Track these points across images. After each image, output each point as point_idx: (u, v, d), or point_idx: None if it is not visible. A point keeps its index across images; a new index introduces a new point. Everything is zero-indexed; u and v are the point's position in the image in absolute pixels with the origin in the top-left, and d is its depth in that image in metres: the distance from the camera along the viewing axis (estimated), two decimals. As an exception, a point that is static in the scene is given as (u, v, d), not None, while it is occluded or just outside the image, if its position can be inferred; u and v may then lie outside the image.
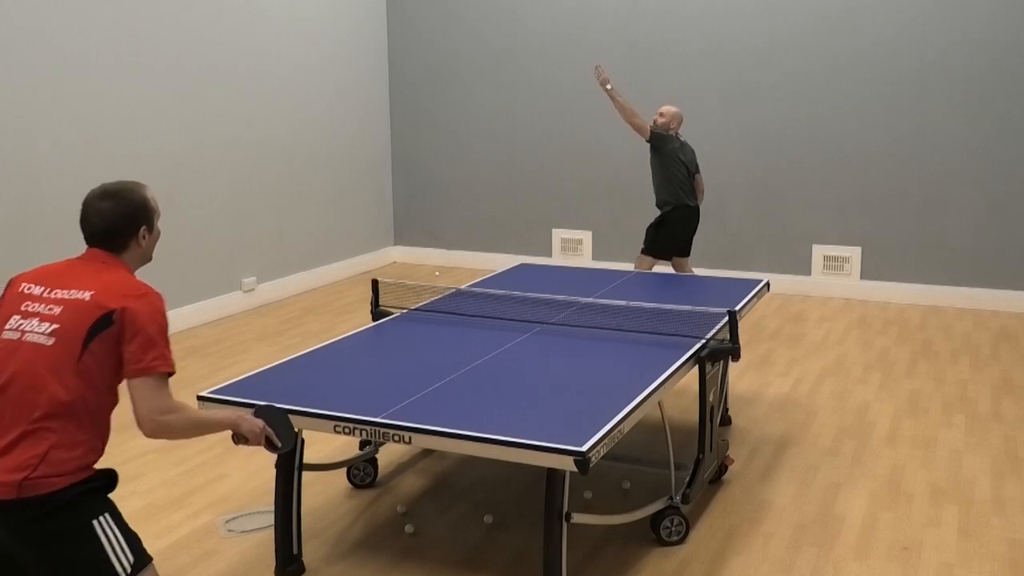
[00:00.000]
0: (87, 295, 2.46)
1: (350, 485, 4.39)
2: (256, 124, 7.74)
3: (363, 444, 4.43)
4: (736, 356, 4.17)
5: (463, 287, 5.09)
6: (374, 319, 4.57)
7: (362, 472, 4.41)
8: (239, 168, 7.58)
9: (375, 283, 4.71)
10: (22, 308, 2.48)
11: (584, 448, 2.92)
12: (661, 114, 6.67)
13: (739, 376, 5.91)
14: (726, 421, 5.05)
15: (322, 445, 4.63)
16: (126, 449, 4.86)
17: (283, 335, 6.95)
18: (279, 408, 3.04)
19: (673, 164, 6.59)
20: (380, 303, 4.65)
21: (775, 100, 8.09)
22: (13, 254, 5.82)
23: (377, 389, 3.50)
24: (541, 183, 9.02)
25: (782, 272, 8.13)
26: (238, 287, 7.65)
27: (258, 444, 2.80)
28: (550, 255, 9.04)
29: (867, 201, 7.92)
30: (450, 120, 9.33)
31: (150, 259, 2.70)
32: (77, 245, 2.65)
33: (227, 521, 4.08)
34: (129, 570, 2.40)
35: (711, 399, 4.10)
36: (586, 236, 8.88)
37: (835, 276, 8.10)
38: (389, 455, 4.66)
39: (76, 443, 2.39)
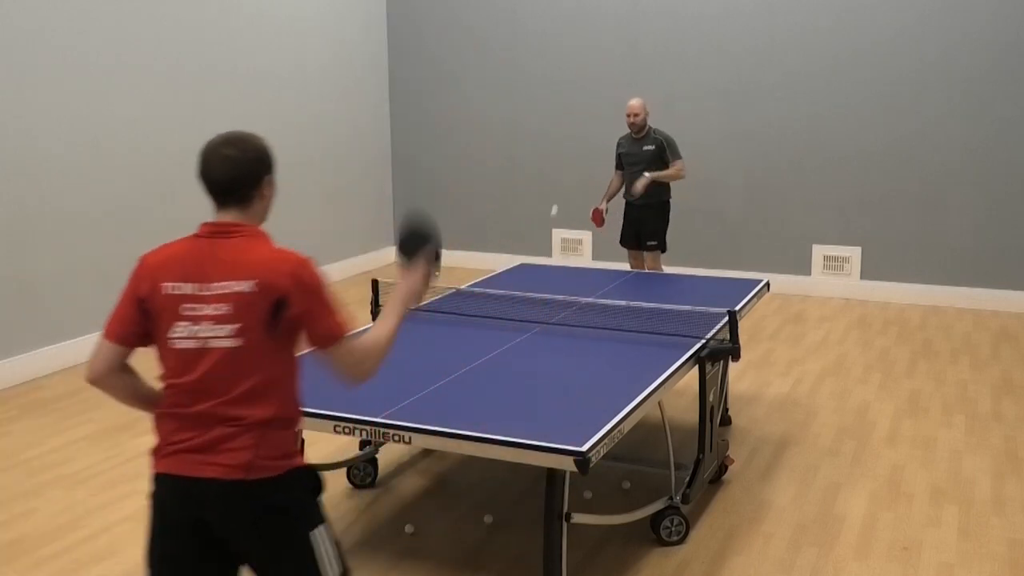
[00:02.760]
0: (248, 286, 2.36)
1: (350, 485, 4.39)
2: (256, 124, 7.65)
3: (363, 444, 4.43)
4: (736, 356, 4.17)
5: (463, 287, 5.09)
6: (374, 319, 4.56)
7: (362, 472, 4.41)
8: (239, 168, 7.57)
9: (375, 283, 4.71)
10: (184, 313, 2.36)
11: (584, 448, 2.92)
12: (637, 113, 6.61)
13: (739, 376, 5.91)
14: (726, 421, 5.05)
15: (322, 445, 4.62)
16: (126, 449, 4.86)
17: (283, 335, 6.94)
18: (420, 226, 2.70)
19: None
20: (380, 303, 4.65)
21: (775, 100, 8.09)
22: (13, 254, 5.82)
23: (377, 389, 3.49)
24: (541, 183, 9.01)
25: (782, 272, 8.13)
26: (238, 287, 7.64)
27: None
28: (550, 255, 9.04)
29: (867, 201, 7.92)
30: (450, 120, 9.33)
31: (264, 218, 2.64)
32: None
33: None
34: None
35: (711, 399, 4.10)
36: (586, 236, 8.88)
37: (835, 276, 8.10)
38: (389, 455, 4.66)
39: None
